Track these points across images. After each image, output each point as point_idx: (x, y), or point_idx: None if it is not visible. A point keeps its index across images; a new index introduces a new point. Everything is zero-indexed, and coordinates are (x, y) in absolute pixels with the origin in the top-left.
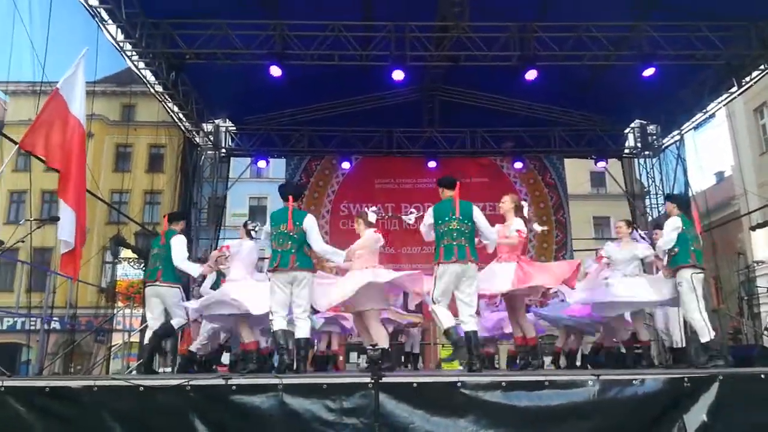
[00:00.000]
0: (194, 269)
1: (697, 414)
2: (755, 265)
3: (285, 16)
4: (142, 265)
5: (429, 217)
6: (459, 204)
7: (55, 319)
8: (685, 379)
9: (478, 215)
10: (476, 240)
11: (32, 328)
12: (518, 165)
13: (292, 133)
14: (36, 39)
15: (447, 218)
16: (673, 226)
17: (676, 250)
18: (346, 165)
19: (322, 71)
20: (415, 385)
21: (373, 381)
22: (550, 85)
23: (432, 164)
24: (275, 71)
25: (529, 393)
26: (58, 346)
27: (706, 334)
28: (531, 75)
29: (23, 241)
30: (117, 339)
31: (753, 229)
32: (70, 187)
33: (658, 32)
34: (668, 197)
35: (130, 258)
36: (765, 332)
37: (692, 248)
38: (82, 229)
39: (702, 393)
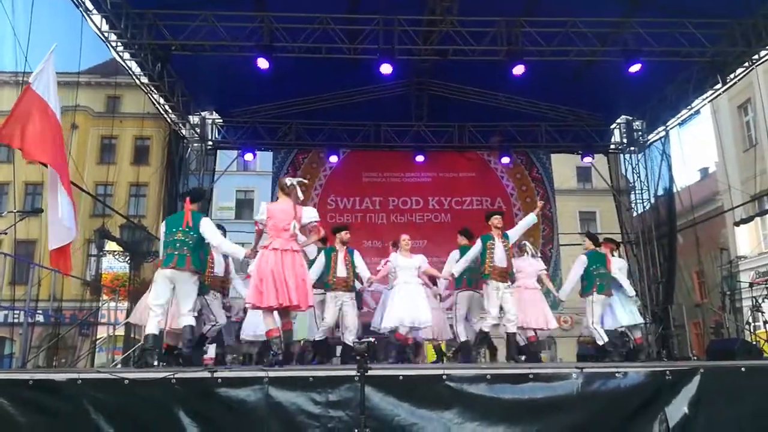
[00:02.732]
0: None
1: (679, 406)
2: (738, 260)
3: (272, 8)
4: (127, 258)
5: (163, 227)
6: (190, 216)
7: (38, 312)
8: (667, 372)
9: (205, 226)
10: None
11: (15, 320)
12: (505, 160)
13: (280, 126)
14: (19, 28)
15: (175, 229)
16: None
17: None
18: (333, 158)
19: (309, 64)
20: (400, 377)
21: (359, 374)
22: (537, 80)
23: (420, 158)
24: (263, 63)
25: (513, 386)
26: (42, 339)
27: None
28: (518, 70)
29: (6, 233)
30: (102, 332)
31: (737, 224)
32: (65, 181)
33: (645, 29)
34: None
35: (115, 251)
36: (746, 326)
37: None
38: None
39: (683, 386)
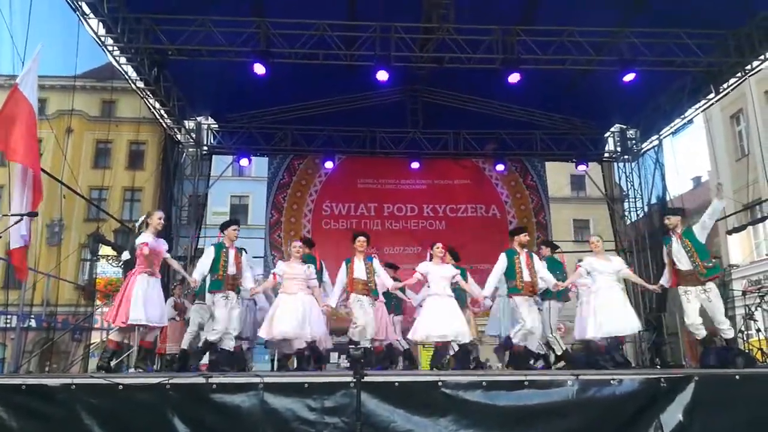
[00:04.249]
0: None
1: (673, 414)
2: (730, 269)
3: (269, 13)
4: (120, 263)
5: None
6: None
7: (31, 316)
8: (662, 379)
9: None
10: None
11: (8, 325)
12: (500, 167)
13: (275, 132)
14: (16, 32)
15: None
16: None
17: None
18: (329, 164)
19: (306, 70)
20: (396, 384)
21: (354, 380)
22: (532, 88)
23: (415, 165)
24: (259, 69)
25: (508, 392)
26: (34, 344)
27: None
28: (514, 78)
29: (0, 236)
30: (95, 337)
31: (729, 233)
32: (41, 184)
33: (639, 38)
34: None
35: (109, 255)
36: (739, 334)
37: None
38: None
39: (678, 393)
